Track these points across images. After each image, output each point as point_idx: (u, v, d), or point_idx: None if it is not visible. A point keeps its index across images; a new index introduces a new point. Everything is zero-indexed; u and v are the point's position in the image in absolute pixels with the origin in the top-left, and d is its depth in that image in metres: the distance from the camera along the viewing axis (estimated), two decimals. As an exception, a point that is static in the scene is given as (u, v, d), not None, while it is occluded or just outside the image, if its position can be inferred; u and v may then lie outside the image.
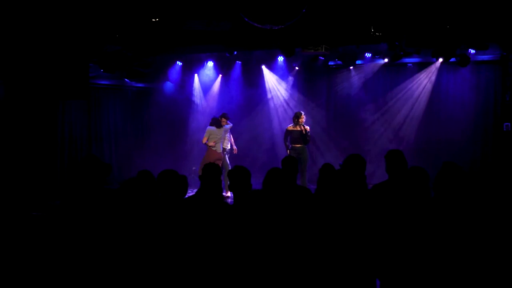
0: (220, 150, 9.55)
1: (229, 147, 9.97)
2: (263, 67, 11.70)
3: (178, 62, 11.33)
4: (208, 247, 3.32)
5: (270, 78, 11.86)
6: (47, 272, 3.31)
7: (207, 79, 12.01)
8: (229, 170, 4.02)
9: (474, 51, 9.24)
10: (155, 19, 7.33)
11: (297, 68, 11.53)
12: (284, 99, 11.85)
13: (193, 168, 11.37)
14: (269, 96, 11.94)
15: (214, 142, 9.42)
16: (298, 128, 9.25)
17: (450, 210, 3.49)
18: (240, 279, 3.22)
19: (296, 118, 9.30)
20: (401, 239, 3.25)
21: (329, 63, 11.32)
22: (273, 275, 3.19)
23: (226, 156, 9.82)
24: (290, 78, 11.76)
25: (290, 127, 9.37)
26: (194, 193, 3.97)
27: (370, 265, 3.34)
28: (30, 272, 3.34)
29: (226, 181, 9.06)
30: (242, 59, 11.45)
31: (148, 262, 3.25)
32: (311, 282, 3.22)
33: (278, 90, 11.88)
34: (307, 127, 9.27)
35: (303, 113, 9.40)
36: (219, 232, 3.40)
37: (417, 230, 3.23)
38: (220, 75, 11.97)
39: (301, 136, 9.21)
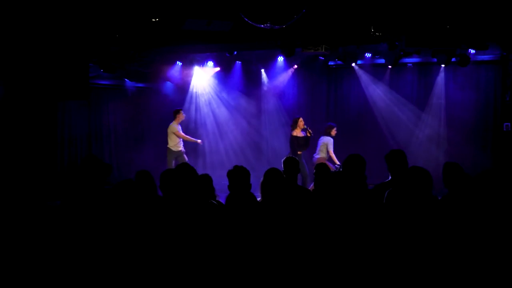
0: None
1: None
2: (263, 69, 11.67)
3: (178, 62, 11.32)
4: (207, 248, 3.31)
5: (269, 78, 11.85)
6: (46, 272, 3.31)
7: (207, 79, 11.99)
8: (229, 170, 4.00)
9: (474, 51, 9.23)
10: (155, 19, 7.34)
11: (297, 68, 11.52)
12: (284, 99, 11.83)
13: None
14: (268, 96, 11.93)
15: None
16: (301, 134, 9.14)
17: (452, 211, 3.49)
18: (239, 280, 3.21)
19: (294, 123, 9.19)
20: (401, 241, 3.24)
21: (329, 63, 11.31)
22: (272, 276, 3.19)
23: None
24: (290, 79, 11.74)
25: (295, 133, 9.13)
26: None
27: (369, 268, 3.33)
28: (30, 272, 3.34)
29: None
30: (242, 59, 11.45)
31: (148, 262, 3.25)
32: (310, 283, 3.21)
33: (278, 90, 11.85)
34: (310, 130, 9.15)
35: (300, 117, 9.28)
36: (218, 233, 3.39)
37: (417, 231, 3.22)
38: (220, 75, 11.96)
39: (305, 141, 9.11)
